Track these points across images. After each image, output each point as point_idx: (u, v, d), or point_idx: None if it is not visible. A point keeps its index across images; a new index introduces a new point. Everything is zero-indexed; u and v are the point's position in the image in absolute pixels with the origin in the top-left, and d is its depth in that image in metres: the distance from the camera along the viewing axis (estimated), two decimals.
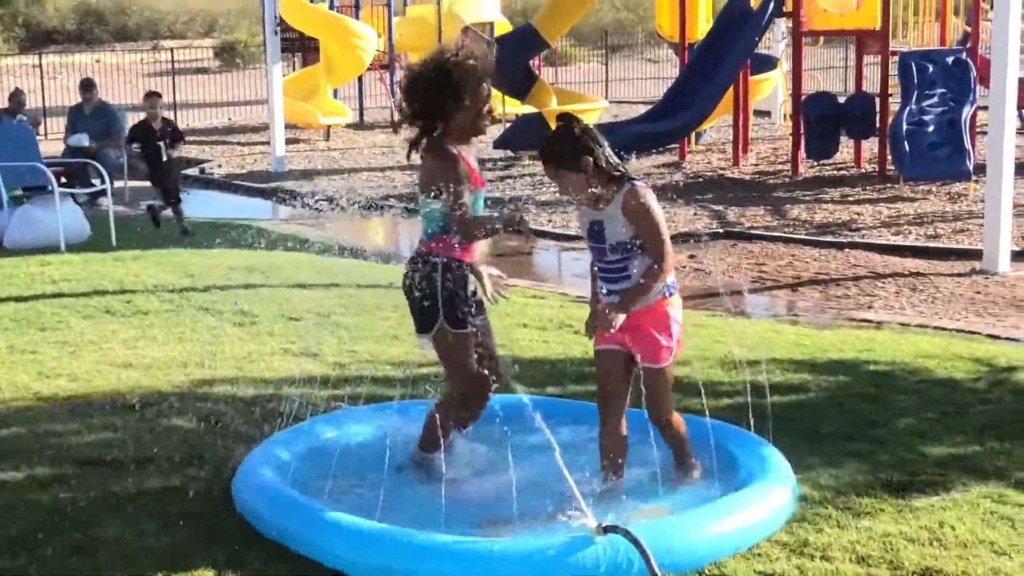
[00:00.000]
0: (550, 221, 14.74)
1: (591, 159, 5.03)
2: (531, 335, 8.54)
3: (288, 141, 21.15)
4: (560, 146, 5.09)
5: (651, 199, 5.11)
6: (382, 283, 10.28)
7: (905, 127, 15.75)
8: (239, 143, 24.30)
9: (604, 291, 5.23)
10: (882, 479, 5.41)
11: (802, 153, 17.50)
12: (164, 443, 6.03)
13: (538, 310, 9.54)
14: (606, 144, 5.10)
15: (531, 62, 22.39)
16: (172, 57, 32.91)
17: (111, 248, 12.22)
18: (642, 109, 21.81)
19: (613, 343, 5.19)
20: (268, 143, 21.09)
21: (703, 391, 6.11)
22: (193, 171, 20.72)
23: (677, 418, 5.31)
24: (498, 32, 26.56)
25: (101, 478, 5.57)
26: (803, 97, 17.65)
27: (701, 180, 17.25)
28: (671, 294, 5.24)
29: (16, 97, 18.02)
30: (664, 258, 5.07)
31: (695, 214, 14.82)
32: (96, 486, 5.48)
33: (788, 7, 17.67)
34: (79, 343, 8.18)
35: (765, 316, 10.10)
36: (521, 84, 21.18)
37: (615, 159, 5.09)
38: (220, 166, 21.12)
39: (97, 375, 7.31)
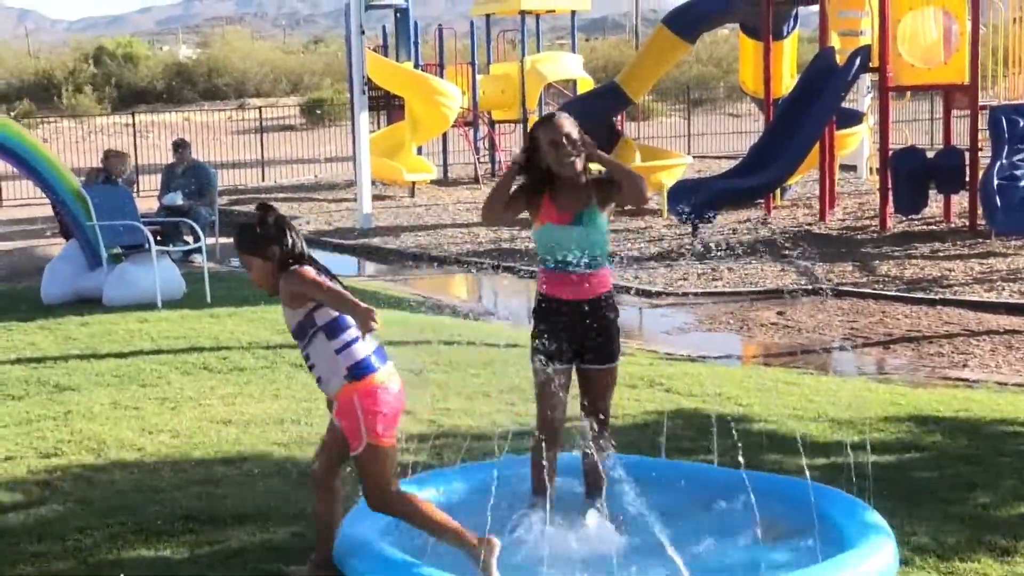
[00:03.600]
0: (636, 277, 14.76)
1: (277, 249, 5.01)
2: (621, 393, 8.55)
3: (374, 198, 21.40)
4: (251, 233, 5.06)
5: (303, 274, 4.95)
6: (471, 340, 10.40)
7: (996, 181, 15.64)
8: (325, 200, 24.63)
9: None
10: (986, 543, 5.35)
11: (890, 208, 17.40)
12: (265, 500, 6.12)
13: (626, 367, 9.55)
14: (297, 236, 5.07)
15: (614, 118, 22.50)
16: (260, 115, 33.51)
17: (206, 305, 12.44)
18: (725, 164, 21.86)
19: None
20: (354, 200, 21.36)
21: (795, 451, 6.08)
22: None
23: (398, 497, 5.04)
24: (581, 89, 26.76)
25: (205, 534, 5.67)
26: (891, 152, 17.58)
27: (787, 235, 17.19)
28: (359, 375, 5.03)
29: (109, 157, 18.42)
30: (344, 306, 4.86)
31: (782, 270, 14.77)
32: (200, 542, 5.58)
33: (875, 62, 17.64)
34: (179, 399, 8.34)
35: (857, 374, 10.04)
36: (605, 141, 21.26)
37: (300, 249, 5.05)
38: (308, 223, 21.41)
39: (198, 431, 7.45)
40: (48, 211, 17.48)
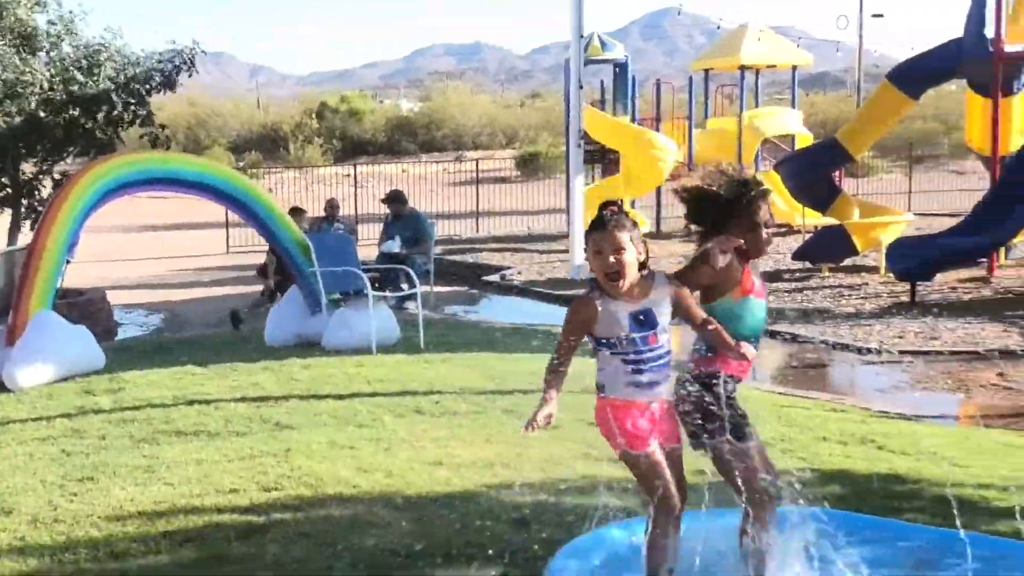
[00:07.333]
0: (851, 334, 14.50)
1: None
2: (831, 448, 8.44)
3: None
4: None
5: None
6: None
7: None
8: (537, 251, 24.94)
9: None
10: None
11: None
12: (474, 540, 6.22)
13: (839, 424, 9.41)
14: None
15: (833, 174, 22.21)
16: (476, 167, 34.19)
17: (419, 350, 12.74)
18: (948, 222, 21.27)
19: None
20: (566, 251, 21.59)
21: (1013, 513, 5.90)
22: (494, 277, 21.39)
23: None
24: (799, 145, 26.51)
25: (416, 570, 5.80)
26: None
27: (1011, 296, 16.64)
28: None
29: (331, 205, 19.13)
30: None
31: (1005, 331, 14.31)
32: None
33: None
34: (393, 440, 8.56)
35: None
36: (823, 196, 21.02)
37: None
38: (519, 273, 21.71)
39: (410, 472, 7.63)
40: None
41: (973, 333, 14.33)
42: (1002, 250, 19.26)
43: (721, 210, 5.32)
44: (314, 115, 59.33)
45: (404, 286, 16.36)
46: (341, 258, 13.75)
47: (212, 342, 14.05)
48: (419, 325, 13.51)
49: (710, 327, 5.15)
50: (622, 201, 5.27)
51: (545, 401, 5.15)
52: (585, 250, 5.09)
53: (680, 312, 5.14)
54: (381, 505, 6.91)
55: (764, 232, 5.34)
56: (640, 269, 5.03)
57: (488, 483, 7.38)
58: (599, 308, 5.03)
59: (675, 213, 28.74)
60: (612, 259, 4.93)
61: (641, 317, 5.05)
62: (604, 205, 5.10)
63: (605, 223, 4.98)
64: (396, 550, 6.06)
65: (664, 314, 5.10)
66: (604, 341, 5.10)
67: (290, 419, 9.39)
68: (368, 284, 13.40)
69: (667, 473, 5.13)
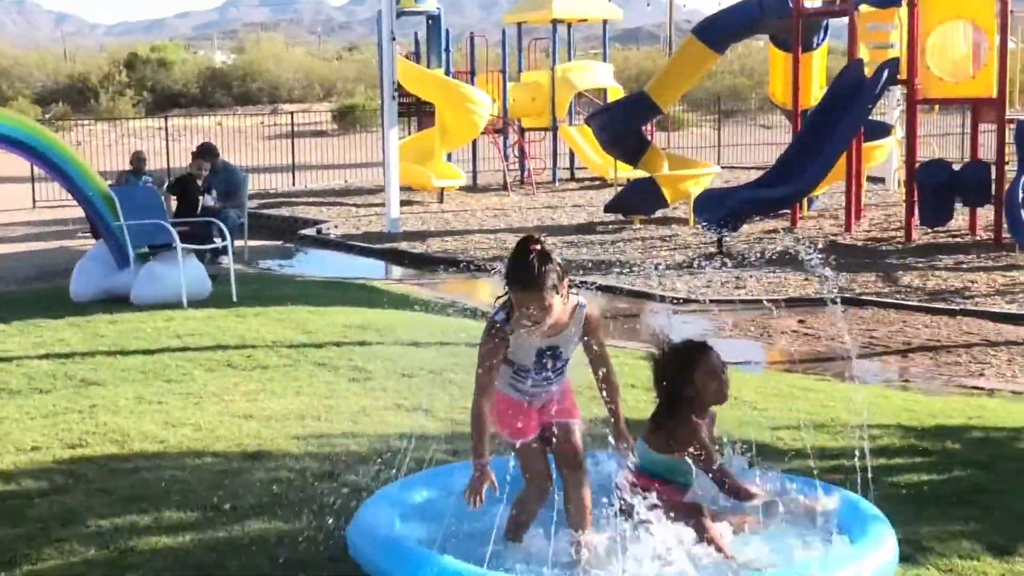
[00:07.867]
0: (659, 284, 14.85)
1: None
2: (637, 395, 8.64)
3: (402, 203, 21.58)
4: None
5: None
6: None
7: (1022, 195, 15.66)
8: (354, 204, 24.81)
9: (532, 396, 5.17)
10: (986, 542, 5.41)
11: (916, 220, 17.44)
12: (283, 491, 6.23)
13: (647, 371, 9.63)
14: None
15: (643, 127, 22.60)
16: (292, 120, 33.76)
17: (232, 304, 12.60)
18: (754, 175, 21.91)
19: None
20: (383, 205, 21.54)
21: (805, 453, 6.18)
22: (310, 231, 21.23)
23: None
24: (611, 98, 26.87)
25: (224, 524, 5.78)
26: (917, 164, 17.61)
27: (812, 245, 17.22)
28: None
29: (138, 158, 18.68)
30: None
31: (806, 279, 14.83)
32: (219, 531, 5.69)
33: (903, 75, 17.68)
34: (203, 395, 8.48)
35: (874, 381, 10.11)
36: (633, 149, 21.39)
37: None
38: (336, 227, 21.59)
39: (220, 425, 7.58)
40: (79, 212, 17.70)
41: (776, 282, 14.81)
42: (805, 201, 19.90)
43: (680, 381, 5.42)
44: (123, 66, 57.66)
45: (217, 240, 16.10)
46: (148, 212, 13.47)
47: (15, 299, 13.65)
48: (231, 279, 13.36)
49: (603, 370, 5.26)
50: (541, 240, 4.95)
51: (480, 470, 5.01)
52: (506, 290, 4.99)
53: (585, 340, 5.15)
54: (189, 460, 6.86)
55: (724, 376, 5.39)
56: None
57: (298, 435, 7.38)
58: (510, 340, 5.02)
59: (491, 167, 28.92)
60: (538, 313, 4.89)
61: (548, 353, 5.09)
62: (525, 242, 4.90)
63: (530, 280, 4.82)
64: (203, 504, 6.03)
65: (572, 348, 5.15)
66: (506, 359, 5.11)
67: (96, 375, 9.22)
68: (176, 237, 13.17)
69: (542, 464, 5.20)
